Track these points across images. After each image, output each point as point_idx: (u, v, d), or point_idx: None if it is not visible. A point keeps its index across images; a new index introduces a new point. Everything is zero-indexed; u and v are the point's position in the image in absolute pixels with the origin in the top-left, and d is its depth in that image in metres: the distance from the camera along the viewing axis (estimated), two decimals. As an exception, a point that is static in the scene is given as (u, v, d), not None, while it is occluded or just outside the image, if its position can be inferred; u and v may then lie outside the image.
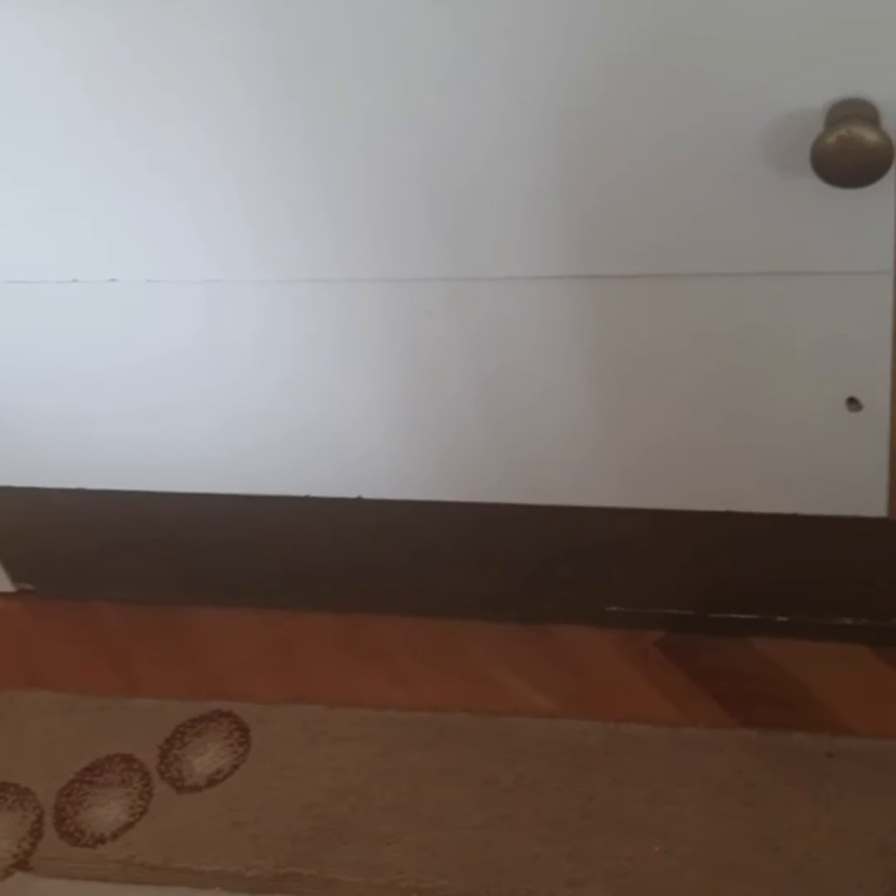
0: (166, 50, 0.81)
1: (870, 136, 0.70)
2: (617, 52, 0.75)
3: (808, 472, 0.98)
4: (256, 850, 1.07)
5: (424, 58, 0.78)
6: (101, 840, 1.10)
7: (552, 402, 0.99)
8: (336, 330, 0.97)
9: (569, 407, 0.98)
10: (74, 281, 0.98)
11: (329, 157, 0.85)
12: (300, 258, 0.92)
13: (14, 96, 0.86)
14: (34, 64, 0.84)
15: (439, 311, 0.94)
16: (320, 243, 0.90)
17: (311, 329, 0.98)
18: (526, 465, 1.05)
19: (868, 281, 0.83)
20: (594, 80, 0.76)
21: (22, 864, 1.10)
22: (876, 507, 0.99)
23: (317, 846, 1.06)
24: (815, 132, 0.72)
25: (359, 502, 1.12)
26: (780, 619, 1.15)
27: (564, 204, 0.83)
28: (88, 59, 0.83)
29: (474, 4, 0.75)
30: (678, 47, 0.74)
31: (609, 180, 0.81)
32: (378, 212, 0.87)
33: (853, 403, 0.91)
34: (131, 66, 0.83)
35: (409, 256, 0.90)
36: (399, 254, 0.90)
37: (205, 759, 1.16)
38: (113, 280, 0.97)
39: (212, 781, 1.13)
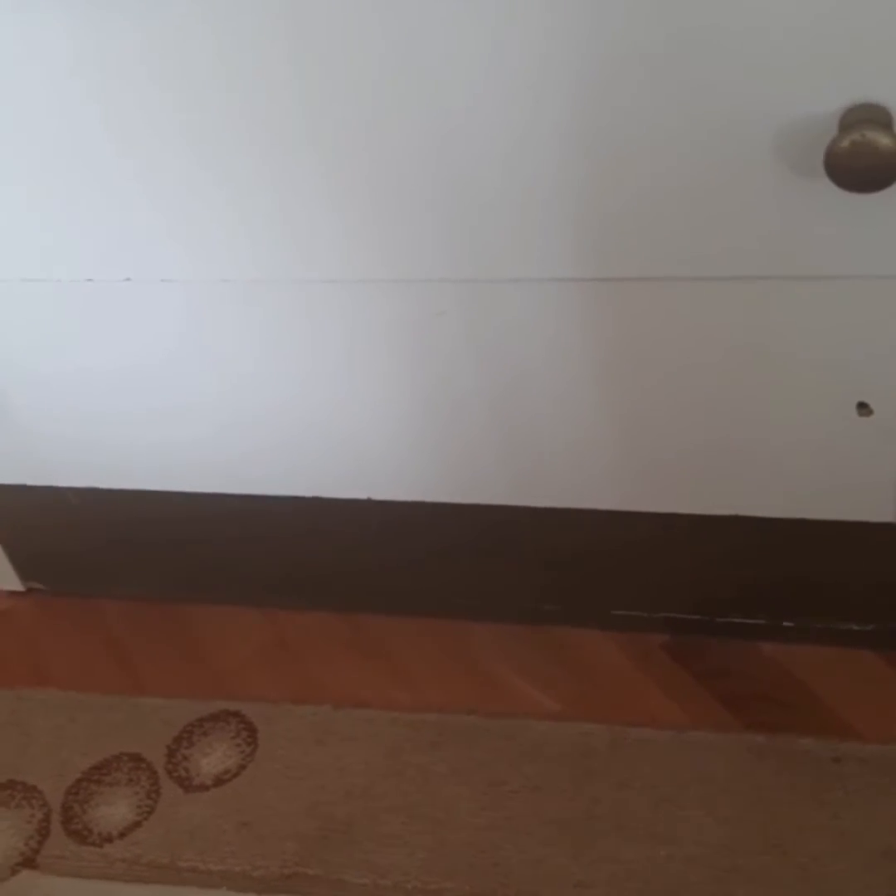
0: (170, 54, 0.82)
1: (883, 140, 0.70)
2: (631, 57, 0.75)
3: (816, 476, 0.98)
4: (263, 849, 1.07)
5: (438, 57, 0.78)
6: (108, 839, 1.10)
7: (561, 404, 0.99)
8: (347, 331, 0.98)
9: (578, 409, 0.99)
10: (89, 280, 0.98)
11: (339, 157, 0.85)
12: (311, 258, 0.92)
13: (28, 98, 0.86)
14: (48, 65, 0.84)
15: (451, 312, 0.94)
16: (331, 244, 0.91)
17: (322, 329, 0.98)
18: (534, 467, 1.05)
19: (880, 285, 0.83)
20: (608, 84, 0.77)
21: (29, 862, 1.10)
22: (884, 513, 0.99)
23: (323, 847, 1.07)
24: (829, 136, 0.72)
25: (367, 503, 1.12)
26: (786, 623, 1.15)
27: (577, 206, 0.84)
28: (101, 60, 0.83)
29: (491, 6, 0.75)
30: (692, 52, 0.74)
31: (622, 183, 0.82)
32: (389, 212, 0.87)
33: (863, 408, 0.91)
34: (143, 67, 0.83)
35: (421, 257, 0.90)
36: (411, 254, 0.90)
37: (212, 758, 1.16)
38: (127, 279, 0.97)
39: (219, 781, 1.14)
